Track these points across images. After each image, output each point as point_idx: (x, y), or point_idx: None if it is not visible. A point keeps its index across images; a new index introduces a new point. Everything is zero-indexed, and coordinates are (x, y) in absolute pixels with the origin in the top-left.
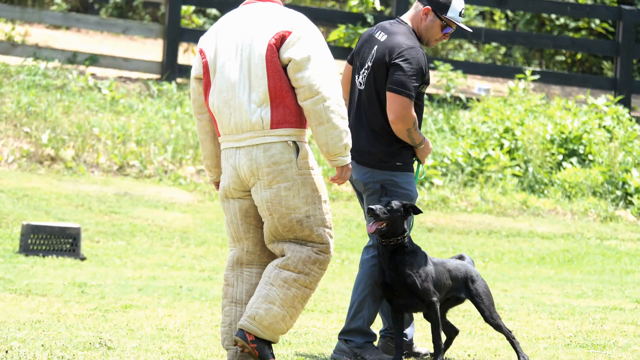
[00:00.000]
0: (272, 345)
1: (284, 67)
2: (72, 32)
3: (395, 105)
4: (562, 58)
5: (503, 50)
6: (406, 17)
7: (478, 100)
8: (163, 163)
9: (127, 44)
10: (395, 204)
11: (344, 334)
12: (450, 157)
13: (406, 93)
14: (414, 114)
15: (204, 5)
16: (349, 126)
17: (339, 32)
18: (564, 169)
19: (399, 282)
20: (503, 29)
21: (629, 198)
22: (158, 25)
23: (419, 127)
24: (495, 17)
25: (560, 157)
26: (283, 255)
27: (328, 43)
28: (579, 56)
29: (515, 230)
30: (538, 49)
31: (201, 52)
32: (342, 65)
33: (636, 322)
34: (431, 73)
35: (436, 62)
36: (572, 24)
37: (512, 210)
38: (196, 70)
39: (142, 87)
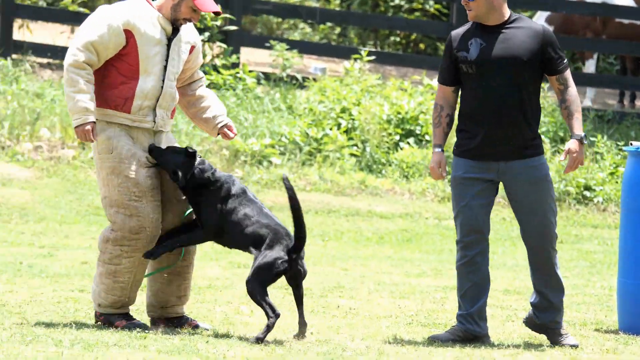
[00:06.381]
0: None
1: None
2: None
3: None
4: (397, 39)
5: (338, 30)
6: None
7: (314, 80)
8: (0, 139)
9: None
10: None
11: None
12: (288, 136)
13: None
14: (437, 97)
15: None
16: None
17: None
18: (401, 149)
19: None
20: (337, 9)
21: None
22: None
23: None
24: None
25: (397, 138)
26: None
27: None
28: (413, 37)
29: (354, 209)
30: (372, 29)
31: None
32: None
33: None
34: (266, 52)
35: (271, 42)
36: (406, 5)
37: (351, 189)
38: None
39: None
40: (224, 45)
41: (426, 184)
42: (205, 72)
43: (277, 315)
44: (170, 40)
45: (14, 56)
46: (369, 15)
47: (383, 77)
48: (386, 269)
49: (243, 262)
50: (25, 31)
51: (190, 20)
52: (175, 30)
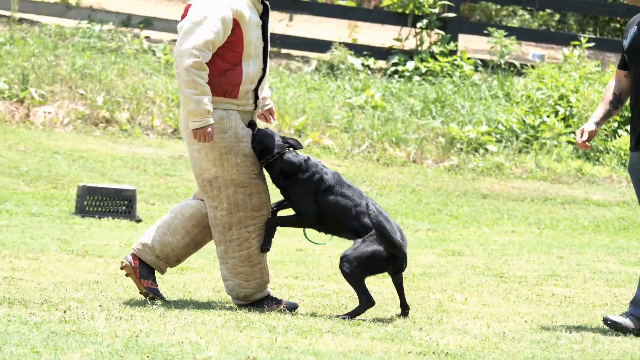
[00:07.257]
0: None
1: None
2: None
3: None
4: (617, 25)
5: (557, 17)
6: None
7: (532, 67)
8: None
9: (180, 8)
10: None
11: None
12: (505, 124)
13: None
14: (612, 78)
15: None
16: None
17: None
18: (619, 136)
19: None
20: None
21: None
22: None
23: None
24: None
25: (615, 125)
26: None
27: (380, 9)
28: None
29: (570, 197)
30: (592, 16)
31: None
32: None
33: None
34: (484, 39)
35: (490, 29)
36: None
37: (567, 177)
38: None
39: None
40: (442, 33)
41: None
42: (422, 60)
43: (372, 304)
44: (263, 20)
45: None
46: (589, 1)
47: (602, 64)
48: (602, 257)
49: (458, 249)
50: None
51: None
52: (266, 8)
